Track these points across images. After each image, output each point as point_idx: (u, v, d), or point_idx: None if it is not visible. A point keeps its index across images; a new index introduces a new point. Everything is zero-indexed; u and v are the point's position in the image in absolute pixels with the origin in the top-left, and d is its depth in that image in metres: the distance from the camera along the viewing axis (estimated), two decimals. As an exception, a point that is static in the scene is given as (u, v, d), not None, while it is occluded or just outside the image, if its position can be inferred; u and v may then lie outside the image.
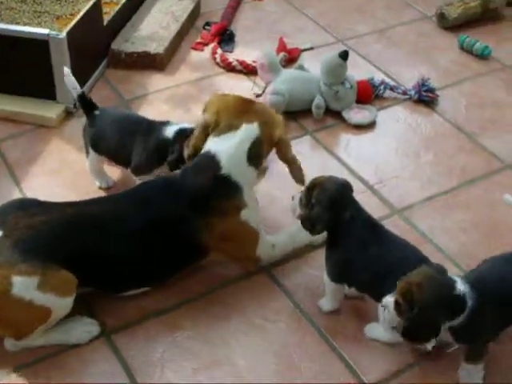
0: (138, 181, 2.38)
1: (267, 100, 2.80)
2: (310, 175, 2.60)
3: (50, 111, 2.79)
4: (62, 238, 1.97)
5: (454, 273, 2.21)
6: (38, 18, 2.99)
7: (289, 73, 2.93)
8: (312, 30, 3.44)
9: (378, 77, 3.04)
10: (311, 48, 3.29)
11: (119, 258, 2.04)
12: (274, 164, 2.33)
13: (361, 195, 2.50)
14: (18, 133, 2.77)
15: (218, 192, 2.10)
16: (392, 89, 3.00)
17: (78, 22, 2.78)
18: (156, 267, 2.11)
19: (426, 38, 3.41)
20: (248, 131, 2.13)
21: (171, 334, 2.07)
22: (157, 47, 3.08)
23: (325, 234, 2.07)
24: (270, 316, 2.13)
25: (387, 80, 3.04)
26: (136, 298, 2.14)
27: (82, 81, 2.85)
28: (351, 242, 1.99)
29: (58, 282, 1.91)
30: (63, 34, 2.67)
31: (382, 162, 2.70)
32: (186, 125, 2.35)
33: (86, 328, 2.05)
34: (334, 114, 2.89)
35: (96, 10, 2.93)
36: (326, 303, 2.13)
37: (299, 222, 2.07)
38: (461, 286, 1.79)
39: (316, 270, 2.22)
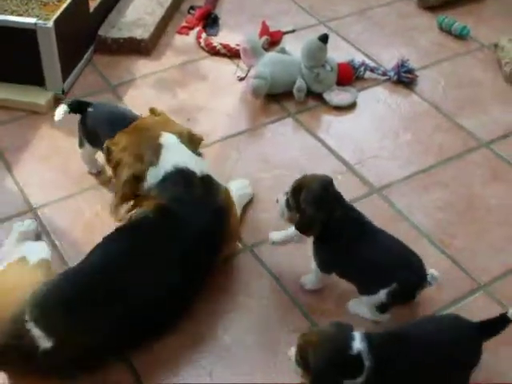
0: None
1: (250, 84, 2.86)
2: (292, 156, 2.70)
3: (39, 98, 2.83)
4: None
5: (428, 251, 2.30)
6: (26, 5, 3.02)
7: (271, 56, 2.98)
8: (295, 13, 3.47)
9: (359, 58, 3.08)
10: (293, 31, 3.33)
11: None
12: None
13: (341, 175, 2.60)
14: (7, 119, 2.81)
15: (214, 192, 2.17)
16: (372, 70, 3.05)
17: (65, 9, 2.81)
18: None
19: (406, 19, 3.45)
20: (169, 139, 2.17)
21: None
22: (142, 33, 3.13)
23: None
24: (253, 293, 2.19)
25: (367, 61, 3.08)
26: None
27: (69, 67, 2.92)
28: (340, 239, 2.02)
29: None
30: (50, 23, 2.70)
31: (362, 142, 2.76)
32: None
33: None
34: (315, 96, 2.94)
35: (82, -3, 2.96)
36: (310, 282, 2.18)
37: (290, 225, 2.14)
38: (358, 345, 1.77)
39: (298, 249, 2.26)
